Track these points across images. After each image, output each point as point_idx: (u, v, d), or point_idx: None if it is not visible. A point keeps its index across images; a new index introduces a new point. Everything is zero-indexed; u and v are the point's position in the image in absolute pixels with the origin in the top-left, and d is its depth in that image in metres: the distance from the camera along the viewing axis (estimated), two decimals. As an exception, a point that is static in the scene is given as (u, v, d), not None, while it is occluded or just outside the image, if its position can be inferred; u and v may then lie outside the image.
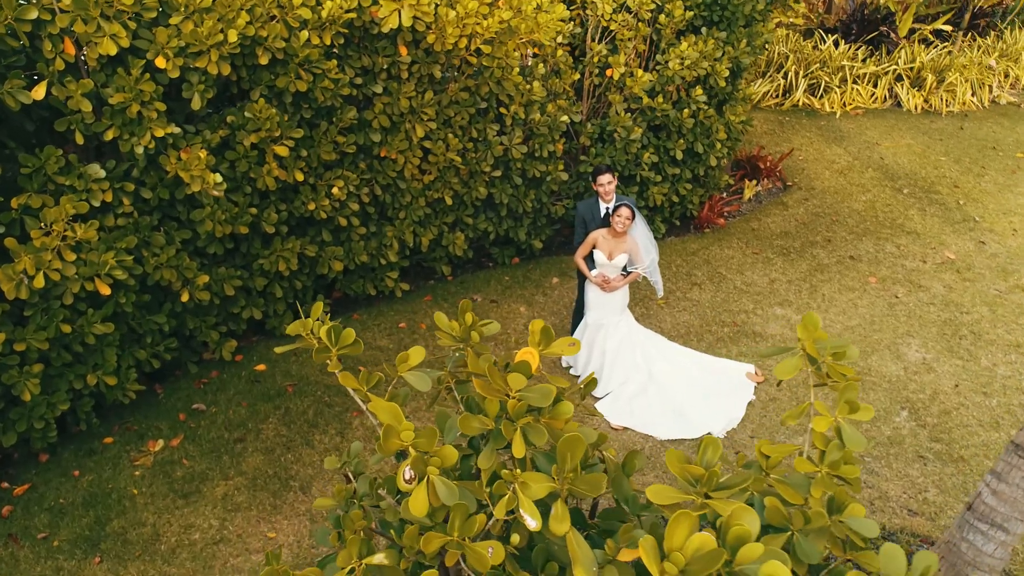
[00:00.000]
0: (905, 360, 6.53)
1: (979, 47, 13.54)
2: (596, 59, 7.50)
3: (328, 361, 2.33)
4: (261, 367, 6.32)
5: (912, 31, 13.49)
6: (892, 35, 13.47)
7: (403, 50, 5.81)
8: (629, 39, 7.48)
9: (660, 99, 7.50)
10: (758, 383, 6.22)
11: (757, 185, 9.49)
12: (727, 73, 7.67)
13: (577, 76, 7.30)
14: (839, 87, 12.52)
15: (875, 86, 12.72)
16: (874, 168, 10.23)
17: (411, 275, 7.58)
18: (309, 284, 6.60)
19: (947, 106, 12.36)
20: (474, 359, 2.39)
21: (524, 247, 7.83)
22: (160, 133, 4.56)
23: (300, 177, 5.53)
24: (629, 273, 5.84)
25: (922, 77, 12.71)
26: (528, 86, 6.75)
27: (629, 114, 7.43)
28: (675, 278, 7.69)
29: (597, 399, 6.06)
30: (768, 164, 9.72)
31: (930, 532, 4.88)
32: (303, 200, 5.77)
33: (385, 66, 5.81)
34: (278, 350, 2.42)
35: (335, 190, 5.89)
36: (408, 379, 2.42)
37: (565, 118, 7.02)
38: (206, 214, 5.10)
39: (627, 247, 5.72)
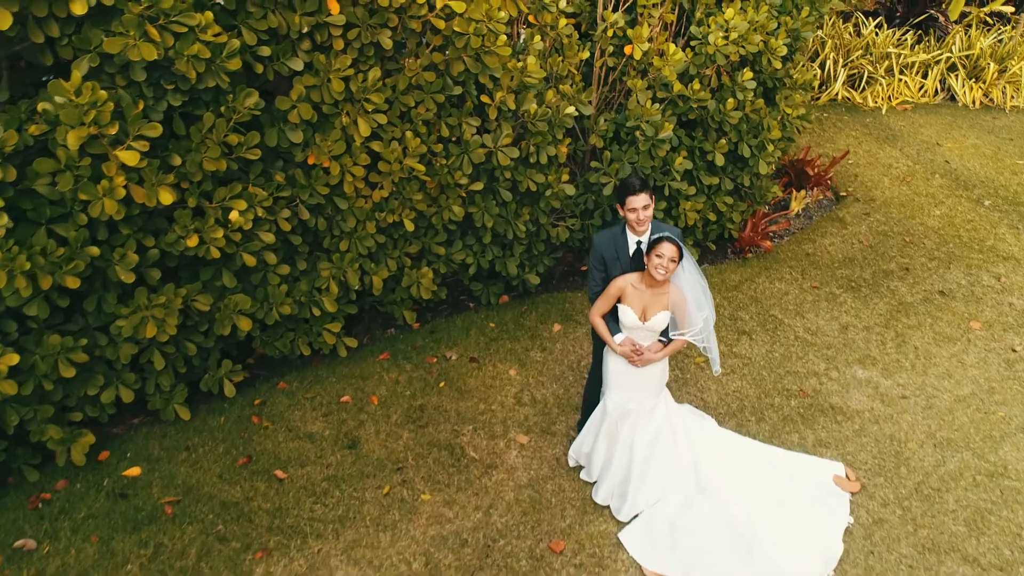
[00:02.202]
0: (1052, 451, 4.65)
1: (1044, 31, 11.71)
2: (611, 32, 5.58)
3: None
4: (133, 471, 4.35)
5: (964, 14, 11.67)
6: (942, 18, 11.64)
7: (334, 6, 3.86)
8: (654, 5, 5.56)
9: (696, 85, 5.58)
10: (853, 493, 4.32)
11: (806, 196, 7.60)
12: (784, 51, 5.76)
13: (586, 55, 5.37)
14: (884, 78, 10.66)
15: (924, 77, 10.87)
16: (941, 174, 8.36)
17: (362, 324, 5.62)
18: (212, 344, 4.63)
19: (1010, 100, 10.51)
20: None
21: (515, 283, 5.89)
22: None
23: (168, 198, 3.56)
24: (672, 340, 3.91)
25: (980, 66, 10.86)
26: (520, 64, 4.81)
27: (656, 104, 5.51)
28: (717, 324, 5.76)
29: (620, 523, 4.13)
30: (817, 170, 7.83)
31: None
32: (179, 232, 3.80)
33: (306, 29, 3.85)
34: None
35: (234, 215, 3.93)
36: None
37: (571, 110, 5.09)
38: (-3, 261, 3.13)
39: (669, 302, 3.80)
